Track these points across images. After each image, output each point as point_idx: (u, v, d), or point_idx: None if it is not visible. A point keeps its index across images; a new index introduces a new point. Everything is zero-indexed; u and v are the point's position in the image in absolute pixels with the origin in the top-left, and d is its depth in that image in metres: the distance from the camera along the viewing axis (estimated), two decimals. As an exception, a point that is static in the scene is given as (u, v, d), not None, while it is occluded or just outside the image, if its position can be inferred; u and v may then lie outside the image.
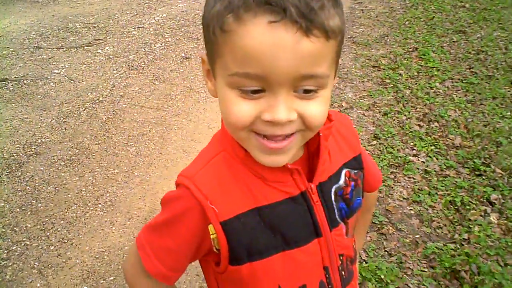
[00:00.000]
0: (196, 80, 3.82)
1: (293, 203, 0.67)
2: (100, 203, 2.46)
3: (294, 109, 0.55)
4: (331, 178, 0.72)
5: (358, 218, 0.80)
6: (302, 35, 0.50)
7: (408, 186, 2.46)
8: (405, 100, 3.33)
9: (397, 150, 2.76)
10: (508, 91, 3.34)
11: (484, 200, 2.32)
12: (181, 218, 0.66)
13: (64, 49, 4.51)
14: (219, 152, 0.68)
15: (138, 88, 3.71)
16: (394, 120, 3.11)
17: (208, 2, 0.56)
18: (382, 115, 3.17)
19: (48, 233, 2.27)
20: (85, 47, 4.55)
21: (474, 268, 1.88)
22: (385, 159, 2.68)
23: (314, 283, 0.71)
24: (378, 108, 3.26)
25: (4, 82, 3.83)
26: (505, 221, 2.17)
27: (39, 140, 3.04)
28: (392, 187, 2.46)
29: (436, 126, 2.99)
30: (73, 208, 2.43)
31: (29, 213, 2.41)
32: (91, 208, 2.42)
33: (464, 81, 3.55)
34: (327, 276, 0.71)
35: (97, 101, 3.52)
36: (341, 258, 0.73)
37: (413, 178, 2.52)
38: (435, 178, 2.50)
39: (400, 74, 3.73)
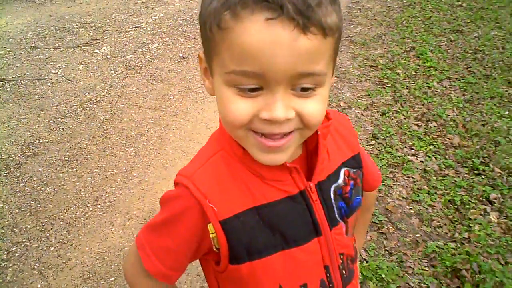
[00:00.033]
0: (194, 80, 3.81)
1: (292, 202, 0.67)
2: (99, 204, 2.45)
3: (292, 107, 0.55)
4: (330, 177, 0.72)
5: (358, 217, 0.80)
6: (300, 32, 0.50)
7: (408, 186, 2.46)
8: (403, 100, 3.33)
9: (396, 149, 2.76)
10: (506, 91, 3.35)
11: (484, 199, 2.32)
12: (180, 217, 0.66)
13: (61, 49, 4.50)
14: (218, 151, 0.68)
15: (135, 88, 3.70)
16: (392, 119, 3.10)
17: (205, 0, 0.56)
18: (380, 115, 3.17)
19: (47, 234, 2.26)
20: (82, 47, 4.54)
21: (475, 266, 1.89)
22: (383, 158, 2.68)
23: (315, 282, 0.70)
24: (376, 108, 3.26)
25: (1, 83, 3.81)
26: (505, 220, 2.18)
27: (37, 141, 3.04)
28: (391, 187, 2.46)
29: (435, 126, 2.99)
30: (72, 208, 2.42)
31: (28, 214, 2.40)
32: (90, 209, 2.42)
33: (461, 81, 3.55)
34: (328, 275, 0.71)
35: (94, 101, 3.51)
36: (342, 257, 0.73)
37: (412, 177, 2.52)
38: (434, 178, 2.51)
39: (398, 74, 3.73)
